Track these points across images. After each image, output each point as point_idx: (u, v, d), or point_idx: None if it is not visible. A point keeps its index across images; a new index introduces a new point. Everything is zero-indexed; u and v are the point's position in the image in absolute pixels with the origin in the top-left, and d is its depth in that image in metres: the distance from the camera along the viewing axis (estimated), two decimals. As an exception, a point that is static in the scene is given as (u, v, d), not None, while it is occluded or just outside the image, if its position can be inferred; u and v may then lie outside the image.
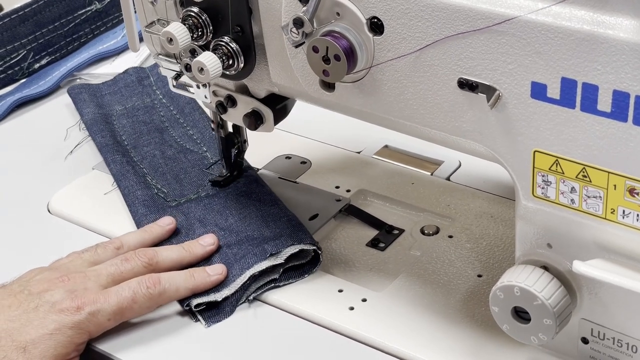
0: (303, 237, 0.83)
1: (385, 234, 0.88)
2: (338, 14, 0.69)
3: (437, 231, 0.88)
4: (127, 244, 0.84)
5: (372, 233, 0.89)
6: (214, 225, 0.87)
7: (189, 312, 0.81)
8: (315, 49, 0.69)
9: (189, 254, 0.83)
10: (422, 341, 0.76)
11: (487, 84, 0.64)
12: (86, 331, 0.76)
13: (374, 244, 0.87)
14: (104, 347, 0.78)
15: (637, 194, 0.62)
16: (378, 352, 0.76)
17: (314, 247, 0.83)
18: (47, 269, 0.81)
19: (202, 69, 0.77)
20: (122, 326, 0.79)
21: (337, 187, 0.94)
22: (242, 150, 0.94)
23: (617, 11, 0.58)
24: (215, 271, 0.81)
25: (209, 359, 0.77)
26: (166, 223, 0.87)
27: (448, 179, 0.94)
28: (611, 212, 0.64)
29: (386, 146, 1.00)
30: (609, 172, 0.62)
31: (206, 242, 0.84)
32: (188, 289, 0.80)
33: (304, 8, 0.69)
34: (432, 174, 0.95)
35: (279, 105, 0.84)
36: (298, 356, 0.77)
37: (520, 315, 0.70)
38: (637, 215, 0.62)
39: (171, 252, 0.83)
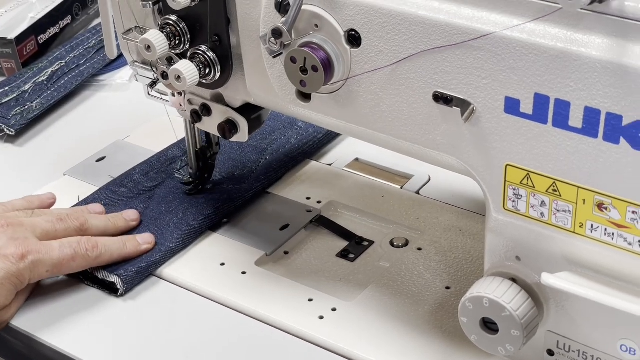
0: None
1: (355, 245, 0.89)
2: (316, 25, 0.70)
3: (406, 243, 0.89)
4: (91, 227, 0.87)
5: (342, 244, 0.90)
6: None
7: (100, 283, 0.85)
8: (293, 60, 0.70)
9: (113, 225, 0.89)
10: (391, 351, 0.77)
11: (462, 98, 0.66)
12: (26, 279, 0.80)
13: (343, 254, 0.88)
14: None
15: (606, 208, 0.63)
16: (347, 360, 0.77)
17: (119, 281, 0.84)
18: None
19: (179, 76, 0.78)
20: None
21: (308, 199, 0.95)
22: (214, 153, 0.94)
23: (590, 30, 0.60)
24: (144, 240, 0.87)
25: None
26: (130, 218, 0.90)
27: (417, 192, 0.95)
28: (580, 226, 0.65)
29: (357, 159, 1.01)
30: (578, 187, 0.64)
31: (129, 217, 0.90)
32: (121, 255, 0.85)
33: (283, 19, 0.71)
34: (401, 188, 0.96)
35: (254, 115, 0.84)
36: (267, 364, 0.78)
37: (489, 326, 0.71)
38: (605, 229, 0.64)
39: (99, 222, 0.88)
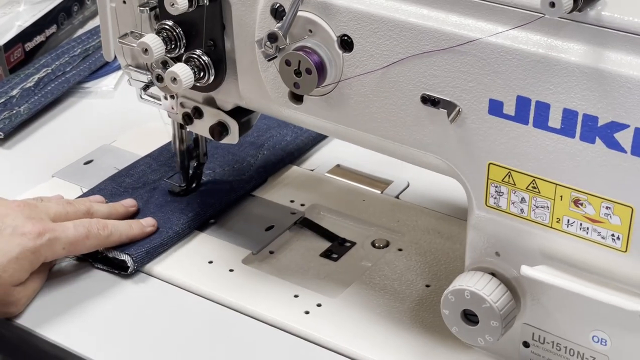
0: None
1: (337, 246, 0.93)
2: (310, 30, 0.74)
3: (387, 244, 0.93)
4: (97, 212, 0.91)
5: (325, 245, 0.93)
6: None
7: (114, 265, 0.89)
8: (287, 62, 0.74)
9: (115, 211, 0.93)
10: (374, 343, 0.81)
11: (448, 100, 0.70)
12: (43, 256, 0.83)
13: (327, 254, 0.92)
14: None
15: (581, 204, 0.68)
16: (333, 353, 0.81)
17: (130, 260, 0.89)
18: None
19: (175, 79, 0.81)
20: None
21: (292, 201, 0.99)
22: (201, 163, 0.98)
23: (569, 37, 0.64)
24: (148, 223, 0.92)
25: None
26: (129, 204, 0.94)
27: (397, 197, 0.99)
28: (557, 221, 0.70)
29: (338, 165, 1.05)
30: (556, 184, 0.68)
31: (127, 204, 0.94)
32: (128, 236, 0.89)
33: (279, 24, 0.74)
34: (382, 192, 1.00)
35: (244, 118, 0.88)
36: (255, 357, 0.81)
37: (469, 317, 0.75)
38: (581, 224, 0.68)
39: (101, 208, 0.93)
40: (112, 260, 0.89)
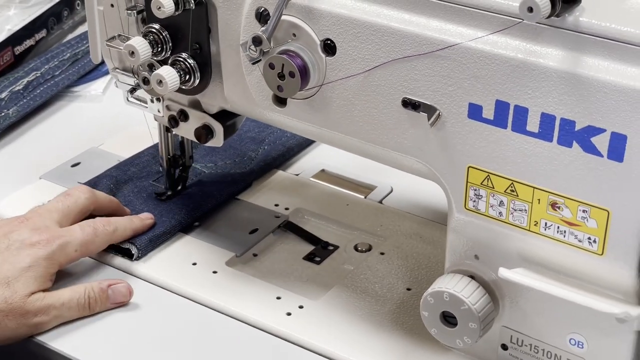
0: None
1: (320, 249, 0.94)
2: (294, 34, 0.75)
3: (369, 248, 0.93)
4: (99, 197, 0.93)
5: (308, 248, 0.94)
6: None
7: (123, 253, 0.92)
8: (271, 66, 0.75)
9: (117, 204, 0.95)
10: (355, 345, 0.82)
11: (429, 103, 0.71)
12: (57, 262, 0.84)
13: (310, 257, 0.93)
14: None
15: (559, 208, 0.69)
16: (314, 354, 0.81)
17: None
18: None
19: (161, 81, 0.82)
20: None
21: (276, 205, 0.99)
22: (187, 166, 0.99)
23: (547, 43, 0.66)
24: (146, 217, 0.93)
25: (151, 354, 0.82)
26: (146, 217, 0.94)
27: (380, 202, 1.00)
28: (534, 224, 0.71)
29: (323, 170, 1.06)
30: (534, 187, 0.69)
31: (144, 216, 0.94)
32: (132, 229, 0.91)
33: (263, 28, 0.75)
34: (365, 197, 1.01)
35: (229, 121, 0.89)
36: (237, 358, 0.81)
37: (448, 320, 0.76)
38: (558, 227, 0.69)
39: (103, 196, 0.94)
40: (118, 247, 0.92)
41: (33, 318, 0.80)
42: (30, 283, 0.80)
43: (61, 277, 0.87)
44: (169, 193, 0.98)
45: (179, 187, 0.99)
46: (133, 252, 0.91)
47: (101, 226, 0.88)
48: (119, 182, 1.00)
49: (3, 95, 1.16)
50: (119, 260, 0.91)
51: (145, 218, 0.93)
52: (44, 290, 0.82)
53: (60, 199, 0.90)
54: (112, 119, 1.16)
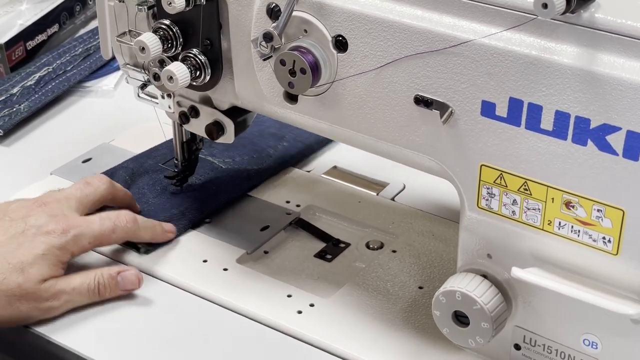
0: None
1: (332, 247, 0.93)
2: (305, 31, 0.75)
3: (381, 246, 0.93)
4: (117, 188, 0.94)
5: (319, 245, 0.93)
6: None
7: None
8: (282, 62, 0.75)
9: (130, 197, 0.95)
10: (365, 344, 0.81)
11: (441, 101, 0.70)
12: (70, 251, 0.84)
13: (321, 255, 0.92)
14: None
15: (573, 207, 0.68)
16: (324, 353, 0.81)
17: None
18: (17, 200, 0.89)
19: (171, 77, 0.81)
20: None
21: (288, 202, 0.99)
22: (198, 149, 0.98)
23: (562, 39, 0.65)
24: (170, 229, 0.93)
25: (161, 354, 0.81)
26: (170, 229, 0.93)
27: (393, 199, 0.99)
28: (548, 224, 0.70)
29: (335, 167, 1.05)
30: (548, 186, 0.68)
31: (168, 228, 0.93)
32: (152, 237, 0.91)
33: (274, 24, 0.75)
34: (377, 194, 1.00)
35: (240, 118, 0.88)
36: (247, 356, 0.81)
37: (460, 319, 0.75)
38: (572, 227, 0.69)
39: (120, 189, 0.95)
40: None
41: (45, 302, 0.82)
42: (43, 270, 0.81)
43: (71, 266, 0.87)
44: (181, 178, 0.98)
45: (187, 172, 0.98)
46: (140, 246, 0.91)
47: (123, 222, 0.87)
48: (134, 174, 1.00)
49: (15, 90, 1.16)
50: (130, 257, 0.91)
51: (168, 230, 0.92)
52: (56, 277, 0.83)
53: (80, 187, 0.90)
54: (123, 115, 1.16)
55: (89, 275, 0.85)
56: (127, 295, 0.87)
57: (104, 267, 0.87)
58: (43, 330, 0.83)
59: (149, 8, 0.84)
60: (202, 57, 0.83)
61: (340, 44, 0.74)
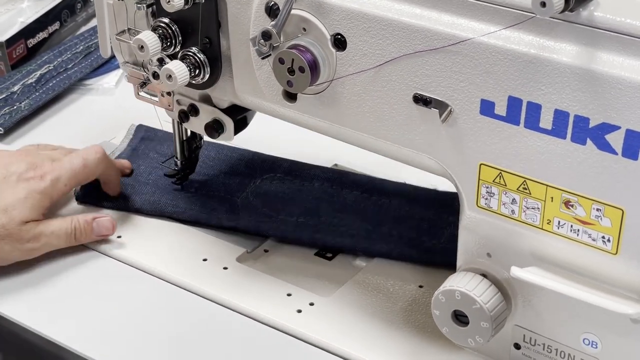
0: None
1: (332, 246, 0.93)
2: (304, 29, 0.74)
3: (381, 244, 0.92)
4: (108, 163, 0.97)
5: (320, 244, 0.93)
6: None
7: None
8: (281, 61, 0.74)
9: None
10: (365, 343, 0.81)
11: (440, 99, 0.70)
12: (50, 196, 0.90)
13: (321, 253, 0.92)
14: None
15: (572, 206, 0.67)
16: (324, 352, 0.81)
17: None
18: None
19: (170, 76, 0.81)
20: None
21: (288, 201, 0.99)
22: (198, 147, 0.98)
23: (561, 37, 0.64)
24: (124, 165, 1.00)
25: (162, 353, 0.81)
26: (126, 165, 1.00)
27: (393, 198, 0.99)
28: (547, 223, 0.69)
29: (335, 165, 1.05)
30: (547, 185, 0.68)
31: (126, 164, 1.00)
32: (117, 177, 0.98)
33: (273, 22, 0.74)
34: (378, 193, 1.00)
35: (240, 116, 0.88)
36: (246, 355, 0.81)
37: (459, 318, 0.75)
38: (571, 226, 0.68)
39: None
40: None
41: (26, 244, 0.87)
42: (25, 212, 0.87)
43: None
44: (181, 176, 0.97)
45: (188, 170, 0.98)
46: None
47: (92, 155, 0.92)
48: (134, 155, 1.02)
49: (16, 88, 1.16)
50: (127, 254, 0.91)
51: (126, 167, 0.99)
52: (36, 221, 0.88)
53: (64, 152, 0.95)
54: (124, 113, 1.15)
55: (67, 220, 0.90)
56: (126, 293, 0.86)
57: (81, 215, 0.92)
58: (43, 329, 0.83)
59: (148, 6, 0.84)
60: (201, 56, 0.83)
61: (339, 42, 0.73)
